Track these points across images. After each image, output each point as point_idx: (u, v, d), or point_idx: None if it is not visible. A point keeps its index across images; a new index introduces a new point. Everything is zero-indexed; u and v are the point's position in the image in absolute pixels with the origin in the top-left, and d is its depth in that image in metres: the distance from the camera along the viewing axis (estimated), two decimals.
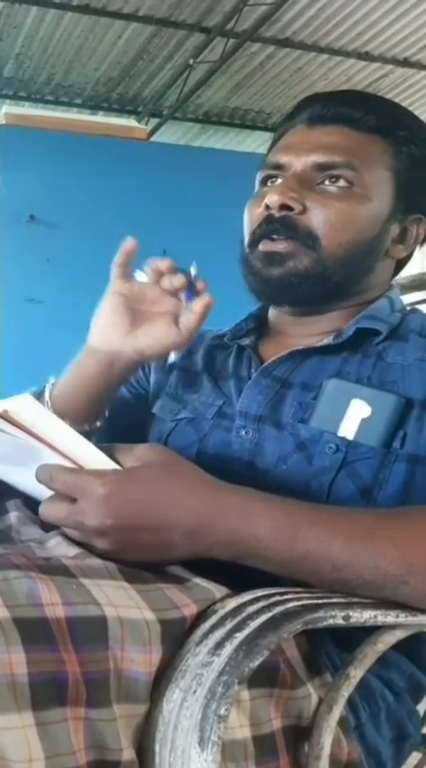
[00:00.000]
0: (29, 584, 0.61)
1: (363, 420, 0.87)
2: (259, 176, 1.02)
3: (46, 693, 0.57)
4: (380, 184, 0.96)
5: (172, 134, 7.05)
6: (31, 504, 0.87)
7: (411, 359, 0.91)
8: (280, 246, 0.95)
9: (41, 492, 0.78)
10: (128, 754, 0.60)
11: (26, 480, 0.82)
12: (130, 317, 0.95)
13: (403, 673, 0.84)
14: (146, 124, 6.29)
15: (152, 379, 1.11)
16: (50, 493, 0.75)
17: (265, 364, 0.98)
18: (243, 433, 0.93)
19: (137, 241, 0.95)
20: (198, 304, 0.95)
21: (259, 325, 1.07)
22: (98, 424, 1.03)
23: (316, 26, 5.37)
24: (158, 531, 0.71)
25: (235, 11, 5.09)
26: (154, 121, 6.74)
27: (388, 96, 6.11)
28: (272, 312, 1.06)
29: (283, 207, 0.94)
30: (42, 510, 0.75)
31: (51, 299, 3.92)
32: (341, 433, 0.87)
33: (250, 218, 1.00)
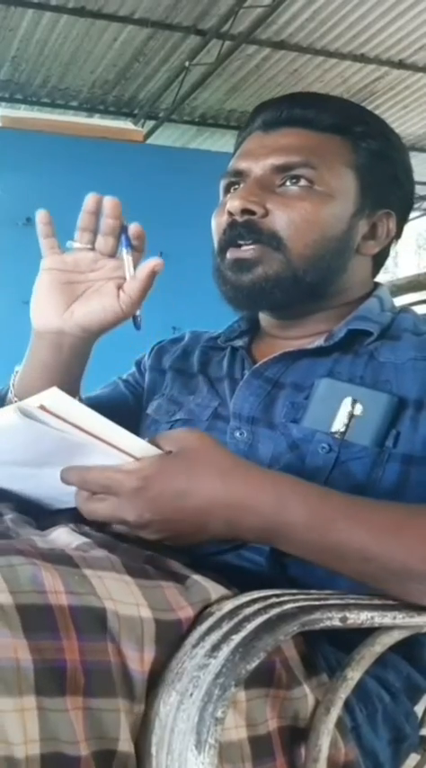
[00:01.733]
0: (32, 570, 0.61)
1: (356, 419, 0.87)
2: (221, 185, 1.03)
3: (49, 681, 0.58)
4: (342, 181, 0.96)
5: (168, 136, 7.05)
6: (23, 509, 0.87)
7: (404, 358, 0.91)
8: (247, 252, 0.94)
9: (54, 494, 0.77)
10: (127, 745, 0.60)
11: (40, 482, 0.81)
12: (68, 293, 0.93)
13: (399, 674, 0.84)
14: (143, 126, 6.30)
15: (147, 377, 1.11)
16: (65, 494, 0.75)
17: (256, 365, 0.98)
18: (237, 434, 0.93)
19: (48, 212, 0.95)
20: (142, 270, 0.92)
21: (252, 327, 1.06)
22: None
23: (312, 28, 5.37)
24: (195, 518, 0.73)
25: (230, 13, 5.09)
26: (150, 124, 6.74)
27: (384, 98, 6.17)
28: (262, 315, 1.06)
29: (245, 211, 0.94)
30: (83, 509, 0.76)
31: None
32: (333, 433, 0.87)
33: (216, 227, 1.00)
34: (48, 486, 0.80)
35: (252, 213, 0.94)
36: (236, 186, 1.00)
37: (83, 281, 0.94)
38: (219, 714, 0.55)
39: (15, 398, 0.99)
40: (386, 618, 0.69)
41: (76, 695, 0.59)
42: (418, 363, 0.90)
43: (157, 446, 0.76)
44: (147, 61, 5.88)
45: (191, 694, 0.57)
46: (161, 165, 4.27)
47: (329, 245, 0.95)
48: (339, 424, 0.87)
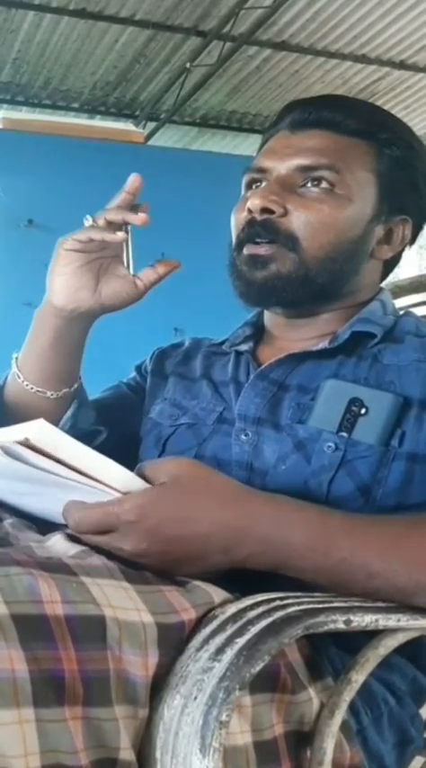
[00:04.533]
0: (29, 580, 0.61)
1: (361, 419, 0.87)
2: (244, 181, 1.03)
3: (46, 691, 0.57)
4: (362, 186, 0.97)
5: (169, 137, 7.05)
6: (23, 513, 0.86)
7: (407, 360, 0.92)
8: (263, 250, 0.96)
9: (54, 509, 0.77)
10: (128, 754, 0.60)
11: (39, 499, 0.81)
12: (91, 273, 0.96)
13: (405, 676, 0.83)
14: (144, 128, 6.29)
15: (148, 381, 1.11)
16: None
17: (262, 367, 0.98)
18: (242, 436, 0.93)
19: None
20: (163, 266, 0.96)
21: (256, 332, 1.07)
22: (73, 387, 1.03)
23: (313, 29, 5.37)
24: (192, 546, 0.72)
25: (231, 14, 5.09)
26: (151, 125, 6.73)
27: (385, 99, 6.16)
28: (268, 316, 1.07)
29: (264, 210, 0.95)
30: (84, 538, 0.75)
31: None
32: (339, 433, 0.87)
33: (235, 222, 1.01)
34: (49, 503, 0.80)
35: (272, 212, 0.95)
36: (258, 183, 1.01)
37: (95, 259, 0.96)
38: (224, 718, 0.55)
39: (26, 383, 1.01)
40: (390, 620, 0.69)
41: (75, 705, 0.58)
42: (421, 365, 0.91)
43: (145, 478, 0.75)
44: (148, 63, 5.88)
45: (196, 698, 0.57)
46: (162, 166, 4.27)
47: (343, 247, 0.96)
48: (345, 424, 0.87)
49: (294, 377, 0.96)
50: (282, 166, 0.97)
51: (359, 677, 0.68)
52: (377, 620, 0.68)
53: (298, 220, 0.94)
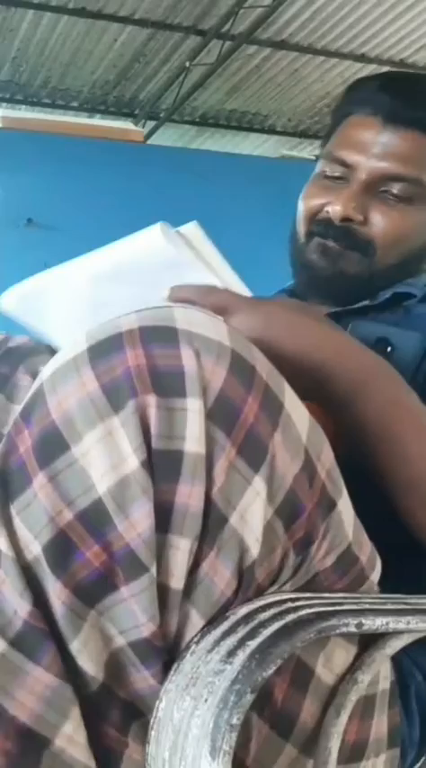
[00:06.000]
0: None
1: (386, 355, 0.87)
2: (320, 165, 0.99)
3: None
4: None
5: (168, 136, 7.06)
6: None
7: None
8: (338, 247, 0.95)
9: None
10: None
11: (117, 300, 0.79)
12: None
13: None
14: (143, 127, 6.30)
15: None
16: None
17: None
18: None
19: None
20: None
21: (291, 293, 1.06)
22: None
23: (312, 28, 5.37)
24: (301, 341, 0.71)
25: (230, 13, 5.10)
26: (150, 124, 6.74)
27: None
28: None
29: (345, 219, 0.94)
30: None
31: None
32: None
33: (306, 210, 0.99)
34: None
35: (352, 221, 0.94)
36: (338, 176, 0.96)
37: None
38: (235, 721, 0.55)
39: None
40: (400, 623, 0.69)
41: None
42: None
43: None
44: (148, 62, 5.88)
45: (206, 700, 0.57)
46: (161, 165, 4.27)
47: (414, 253, 0.96)
48: None
49: None
50: (367, 166, 0.93)
51: (365, 677, 0.68)
52: (387, 623, 0.67)
53: (377, 228, 0.94)
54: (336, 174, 0.97)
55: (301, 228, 0.99)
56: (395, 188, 0.93)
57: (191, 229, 0.74)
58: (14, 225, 4.03)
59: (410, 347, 0.87)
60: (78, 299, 0.82)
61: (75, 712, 0.56)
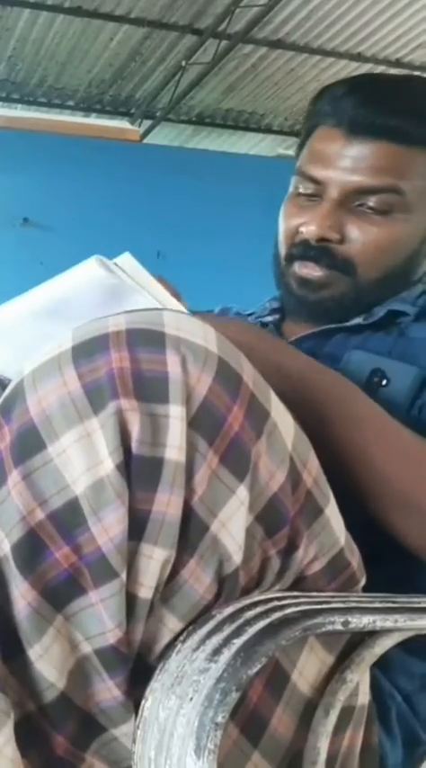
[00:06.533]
0: None
1: (382, 390, 0.86)
2: (294, 182, 0.96)
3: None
4: (422, 199, 0.91)
5: (165, 136, 7.05)
6: None
7: None
8: (317, 274, 0.93)
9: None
10: None
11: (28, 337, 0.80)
12: None
13: (412, 676, 0.82)
14: (139, 126, 6.29)
15: None
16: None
17: (293, 339, 0.96)
18: None
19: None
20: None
21: (283, 306, 1.04)
22: None
23: (308, 27, 5.37)
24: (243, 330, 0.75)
25: (226, 12, 5.09)
26: (146, 123, 6.73)
27: None
28: None
29: (322, 240, 0.91)
30: None
31: None
32: None
33: (286, 231, 0.96)
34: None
35: (329, 240, 0.91)
36: (310, 191, 0.93)
37: None
38: (220, 719, 0.54)
39: None
40: (387, 621, 0.68)
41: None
42: None
43: None
44: (144, 61, 5.87)
45: (191, 699, 0.57)
46: (157, 164, 4.28)
47: (399, 265, 0.93)
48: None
49: (325, 347, 0.94)
50: (338, 182, 0.90)
51: (354, 677, 0.68)
52: (374, 622, 0.67)
53: (356, 246, 0.91)
54: (309, 192, 0.93)
55: (281, 251, 0.98)
56: (371, 200, 0.89)
57: (126, 259, 0.73)
58: (11, 224, 4.03)
59: (406, 381, 0.85)
60: (22, 334, 0.83)
61: (8, 725, 0.54)
